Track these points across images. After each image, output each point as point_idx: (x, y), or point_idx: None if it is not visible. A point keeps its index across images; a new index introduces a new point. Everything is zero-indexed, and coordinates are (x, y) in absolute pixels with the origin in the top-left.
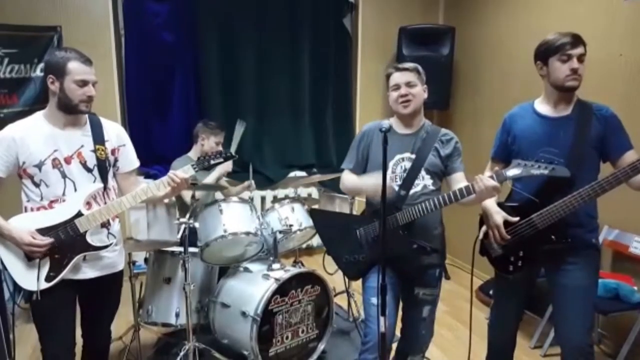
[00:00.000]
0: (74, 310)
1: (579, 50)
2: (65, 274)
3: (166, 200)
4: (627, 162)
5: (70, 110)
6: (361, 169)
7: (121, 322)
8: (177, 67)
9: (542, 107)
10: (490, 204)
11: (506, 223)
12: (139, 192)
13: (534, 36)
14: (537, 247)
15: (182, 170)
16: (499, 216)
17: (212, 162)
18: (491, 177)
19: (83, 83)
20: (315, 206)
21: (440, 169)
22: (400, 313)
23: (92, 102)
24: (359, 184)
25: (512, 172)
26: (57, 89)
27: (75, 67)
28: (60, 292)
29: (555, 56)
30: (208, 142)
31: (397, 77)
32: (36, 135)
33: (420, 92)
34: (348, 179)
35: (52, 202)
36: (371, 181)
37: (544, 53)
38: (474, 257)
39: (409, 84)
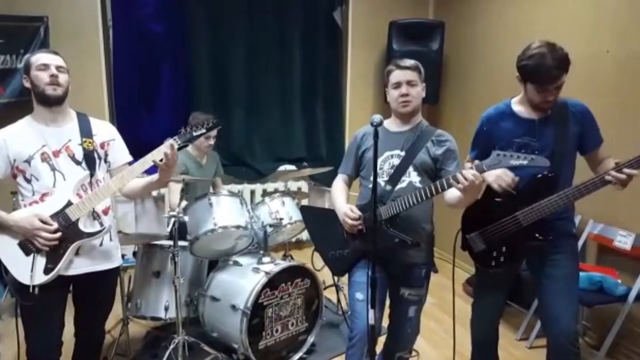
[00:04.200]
0: (63, 309)
1: (559, 82)
2: (63, 264)
3: (154, 194)
4: (599, 157)
5: (45, 101)
6: (357, 170)
7: (110, 316)
8: (166, 59)
9: (520, 107)
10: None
11: (489, 220)
12: (125, 174)
13: (523, 32)
14: (520, 243)
15: (164, 145)
16: (501, 170)
17: (195, 133)
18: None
19: (44, 66)
20: (305, 200)
21: (430, 167)
22: (387, 310)
23: (62, 88)
24: (335, 204)
25: (491, 163)
26: (29, 83)
27: (36, 57)
28: (52, 289)
29: (533, 84)
30: None
31: (399, 75)
32: (24, 133)
33: (420, 92)
34: (335, 189)
35: (43, 195)
36: (341, 213)
37: (524, 75)
38: (454, 250)
39: (410, 83)
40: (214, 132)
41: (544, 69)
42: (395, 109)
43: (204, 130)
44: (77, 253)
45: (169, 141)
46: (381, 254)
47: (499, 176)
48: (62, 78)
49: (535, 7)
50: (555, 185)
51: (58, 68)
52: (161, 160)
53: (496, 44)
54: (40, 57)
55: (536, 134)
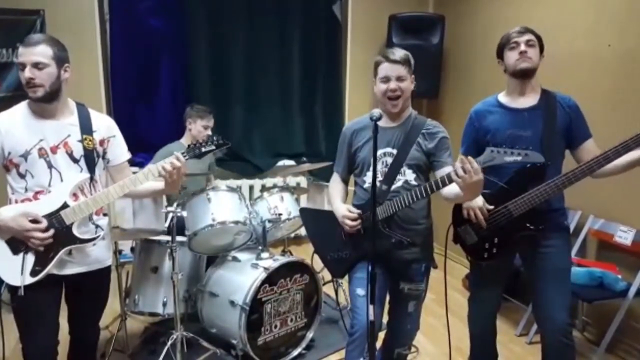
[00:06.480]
0: (58, 308)
1: (525, 37)
2: (51, 267)
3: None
4: (587, 150)
5: (33, 99)
6: (350, 169)
7: (107, 312)
8: (164, 53)
9: (507, 99)
10: None
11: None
12: (127, 182)
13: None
14: (512, 233)
15: (171, 157)
16: (479, 199)
17: (204, 149)
18: None
19: (22, 66)
20: (304, 195)
21: (424, 162)
22: (387, 306)
23: (42, 88)
24: (333, 205)
25: (486, 160)
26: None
27: (18, 52)
28: (44, 288)
29: (507, 47)
30: (195, 125)
31: (388, 69)
32: (21, 125)
33: (408, 86)
34: (331, 189)
35: (37, 193)
36: (339, 215)
37: (499, 48)
38: (446, 243)
39: (399, 79)
40: (209, 123)
41: (513, 30)
42: (384, 105)
43: (213, 147)
44: (69, 253)
45: (176, 155)
46: (380, 254)
47: (478, 207)
48: (41, 77)
49: (535, 2)
50: (544, 174)
51: (35, 65)
52: (167, 172)
53: (497, 38)
54: (19, 53)
55: (524, 124)
